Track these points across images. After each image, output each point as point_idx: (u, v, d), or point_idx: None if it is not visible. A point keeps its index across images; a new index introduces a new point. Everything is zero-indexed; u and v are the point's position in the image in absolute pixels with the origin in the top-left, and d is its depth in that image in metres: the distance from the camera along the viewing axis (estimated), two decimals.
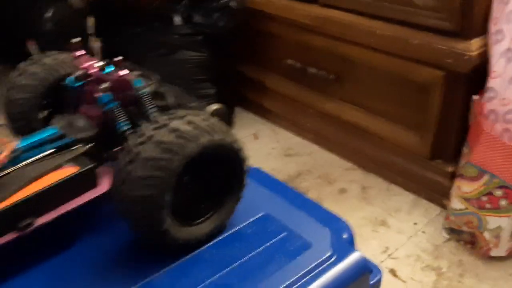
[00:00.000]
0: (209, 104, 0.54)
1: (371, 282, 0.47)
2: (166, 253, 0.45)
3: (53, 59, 0.58)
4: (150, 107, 0.49)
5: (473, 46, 0.91)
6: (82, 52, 0.54)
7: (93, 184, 0.47)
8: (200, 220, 0.47)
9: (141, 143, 0.42)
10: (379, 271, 0.48)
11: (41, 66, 0.57)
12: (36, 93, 0.56)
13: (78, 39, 0.54)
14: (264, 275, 0.43)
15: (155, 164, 0.41)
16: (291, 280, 0.42)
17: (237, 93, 1.43)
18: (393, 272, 0.93)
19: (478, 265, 0.95)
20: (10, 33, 1.34)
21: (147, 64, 1.24)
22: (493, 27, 0.90)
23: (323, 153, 1.28)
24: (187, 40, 1.23)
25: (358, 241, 0.98)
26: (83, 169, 0.46)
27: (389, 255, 0.97)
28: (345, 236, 0.48)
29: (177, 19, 1.23)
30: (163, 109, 0.51)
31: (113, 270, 0.46)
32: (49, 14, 1.27)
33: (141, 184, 0.41)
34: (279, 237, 0.47)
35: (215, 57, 1.27)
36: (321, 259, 0.44)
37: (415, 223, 1.05)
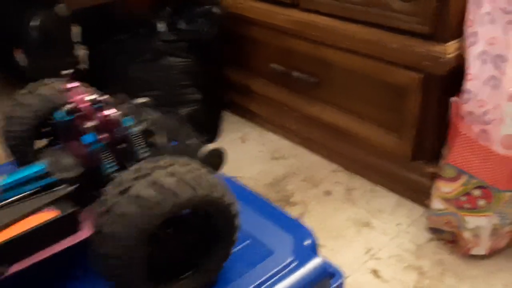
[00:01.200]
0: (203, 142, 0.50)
1: (333, 286, 0.49)
2: None
3: (49, 89, 0.56)
4: (139, 146, 0.47)
5: (449, 48, 0.93)
6: (75, 83, 0.51)
7: (73, 229, 0.44)
8: (182, 276, 0.44)
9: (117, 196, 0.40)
10: (341, 275, 0.50)
11: (37, 96, 0.55)
12: (32, 123, 0.55)
13: (70, 70, 0.52)
14: (224, 283, 0.44)
15: (128, 220, 0.38)
16: (251, 287, 0.44)
17: (224, 98, 1.44)
18: (375, 272, 0.95)
19: (459, 264, 0.96)
20: None
21: (133, 70, 1.25)
22: (468, 30, 0.91)
23: (309, 155, 1.30)
24: (172, 46, 1.24)
25: (341, 243, 1.01)
26: (63, 214, 0.43)
27: (372, 255, 0.99)
28: (307, 242, 0.49)
29: (161, 26, 1.25)
30: (154, 148, 0.48)
31: None
32: (35, 22, 1.28)
33: (110, 241, 0.39)
34: (243, 245, 0.48)
35: (200, 63, 1.28)
36: (281, 266, 0.45)
37: (398, 224, 1.06)
